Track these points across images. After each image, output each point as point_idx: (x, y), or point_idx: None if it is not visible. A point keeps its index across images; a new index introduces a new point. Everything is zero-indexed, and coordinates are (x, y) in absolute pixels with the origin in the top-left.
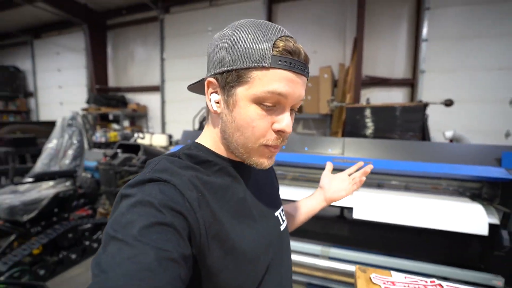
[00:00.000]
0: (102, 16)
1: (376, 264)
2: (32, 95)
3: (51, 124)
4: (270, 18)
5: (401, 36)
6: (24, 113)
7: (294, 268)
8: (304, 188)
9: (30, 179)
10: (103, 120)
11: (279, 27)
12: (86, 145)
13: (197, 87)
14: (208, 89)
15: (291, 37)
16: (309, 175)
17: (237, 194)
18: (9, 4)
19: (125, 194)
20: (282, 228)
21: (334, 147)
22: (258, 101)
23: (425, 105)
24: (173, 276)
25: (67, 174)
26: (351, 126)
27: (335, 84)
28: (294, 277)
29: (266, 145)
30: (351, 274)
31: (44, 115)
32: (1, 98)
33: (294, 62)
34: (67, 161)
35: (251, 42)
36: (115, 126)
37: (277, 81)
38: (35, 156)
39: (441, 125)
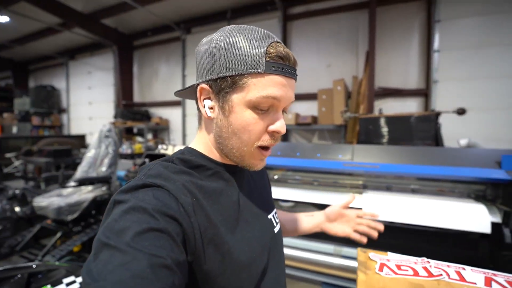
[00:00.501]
0: (130, 38)
1: None
2: (65, 111)
3: (80, 138)
4: (285, 34)
5: (413, 47)
6: (57, 128)
7: (309, 267)
8: (317, 191)
9: (73, 184)
10: (129, 133)
11: (268, 32)
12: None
13: (185, 93)
14: (201, 96)
15: (280, 42)
16: (322, 180)
17: (231, 197)
18: (51, 31)
19: (118, 200)
20: (276, 230)
21: (345, 153)
22: (253, 106)
23: (437, 114)
24: (166, 283)
25: (104, 180)
26: (364, 136)
27: (348, 96)
28: (309, 276)
29: (260, 147)
30: None
31: (75, 129)
32: (39, 114)
33: (286, 67)
34: (103, 168)
35: (244, 49)
36: (139, 138)
37: (271, 86)
38: (68, 166)
39: (455, 133)
